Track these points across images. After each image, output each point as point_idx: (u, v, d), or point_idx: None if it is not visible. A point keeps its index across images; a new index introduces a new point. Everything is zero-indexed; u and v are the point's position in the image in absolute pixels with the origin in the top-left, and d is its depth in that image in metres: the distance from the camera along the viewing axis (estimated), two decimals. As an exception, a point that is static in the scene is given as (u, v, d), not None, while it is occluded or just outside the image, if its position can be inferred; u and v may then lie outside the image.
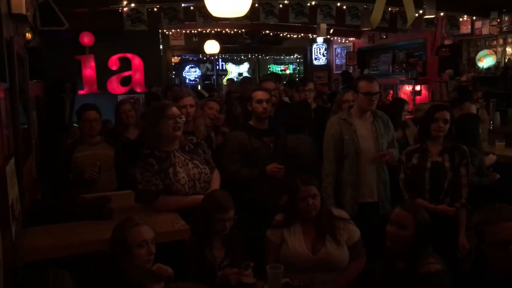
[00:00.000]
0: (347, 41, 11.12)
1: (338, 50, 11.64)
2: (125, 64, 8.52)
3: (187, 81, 12.32)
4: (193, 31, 9.66)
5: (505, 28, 7.15)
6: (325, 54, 11.82)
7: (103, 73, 8.28)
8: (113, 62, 8.42)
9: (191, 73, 12.42)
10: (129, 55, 8.51)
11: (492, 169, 3.97)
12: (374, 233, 2.64)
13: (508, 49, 7.35)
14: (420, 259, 2.30)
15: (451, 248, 3.11)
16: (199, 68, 12.59)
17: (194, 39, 10.20)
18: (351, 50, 10.97)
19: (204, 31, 9.47)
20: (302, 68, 12.68)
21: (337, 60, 11.68)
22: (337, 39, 11.27)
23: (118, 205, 2.85)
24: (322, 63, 11.79)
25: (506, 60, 7.30)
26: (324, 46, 11.73)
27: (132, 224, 2.17)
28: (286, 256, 2.67)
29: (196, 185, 2.94)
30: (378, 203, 3.46)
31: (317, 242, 2.68)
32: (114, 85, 8.43)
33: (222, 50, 10.01)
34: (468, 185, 3.25)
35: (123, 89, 8.47)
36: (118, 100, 6.43)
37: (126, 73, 8.50)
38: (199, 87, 10.95)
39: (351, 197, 3.43)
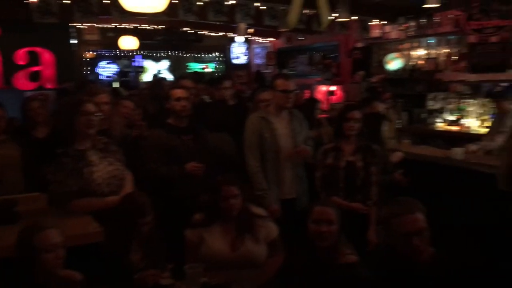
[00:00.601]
0: (266, 41, 11.29)
1: (258, 50, 11.79)
2: (34, 59, 7.99)
3: (102, 77, 11.81)
4: (108, 26, 9.30)
5: (411, 33, 7.64)
6: (245, 54, 11.92)
7: (9, 67, 7.70)
8: (21, 56, 7.86)
9: (107, 69, 11.93)
10: (38, 49, 7.98)
11: (400, 166, 4.21)
12: (293, 228, 2.71)
13: (413, 53, 7.87)
14: (339, 251, 2.41)
15: (362, 243, 3.26)
16: (116, 64, 12.14)
17: (109, 34, 9.83)
18: (270, 50, 11.16)
19: (120, 26, 9.16)
20: (223, 66, 12.68)
21: (257, 60, 11.83)
22: (257, 39, 11.40)
23: (26, 208, 2.68)
24: (243, 63, 11.87)
25: (413, 63, 7.82)
26: (245, 46, 11.82)
27: (38, 228, 2.07)
28: (205, 255, 2.67)
29: (112, 182, 2.86)
30: (296, 199, 3.56)
31: (236, 240, 2.70)
32: (22, 81, 7.85)
33: (141, 47, 9.74)
34: (378, 183, 3.42)
35: (31, 85, 7.90)
36: (25, 96, 6.01)
37: (35, 68, 7.97)
38: (114, 84, 10.55)
39: (273, 194, 3.49)
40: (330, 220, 2.43)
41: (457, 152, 4.57)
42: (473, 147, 4.84)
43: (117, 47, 9.92)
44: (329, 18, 5.23)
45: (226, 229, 2.73)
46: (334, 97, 8.88)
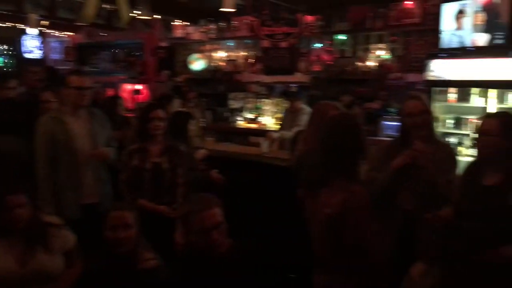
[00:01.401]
0: (64, 35, 10.51)
1: (55, 44, 10.88)
2: None
3: None
4: None
5: (212, 35, 7.97)
6: (40, 48, 10.87)
7: None
8: None
9: None
10: None
11: (207, 163, 4.33)
12: (96, 234, 2.56)
13: (215, 54, 8.23)
14: (139, 257, 2.36)
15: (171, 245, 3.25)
16: None
17: None
18: (69, 45, 10.42)
19: None
20: (13, 61, 11.36)
21: (54, 55, 10.91)
22: (53, 33, 10.51)
23: None
24: (37, 57, 10.80)
25: (215, 64, 8.17)
26: (39, 39, 10.77)
27: None
28: (-11, 276, 2.33)
29: None
30: (98, 204, 3.38)
31: (25, 254, 2.42)
32: None
33: None
34: (185, 184, 3.41)
35: None
36: None
37: None
38: None
39: (71, 199, 3.28)
40: (127, 224, 2.37)
41: (263, 145, 5.00)
42: (275, 135, 5.38)
43: None
44: (130, 15, 5.10)
45: (12, 243, 2.42)
46: (140, 96, 8.74)
